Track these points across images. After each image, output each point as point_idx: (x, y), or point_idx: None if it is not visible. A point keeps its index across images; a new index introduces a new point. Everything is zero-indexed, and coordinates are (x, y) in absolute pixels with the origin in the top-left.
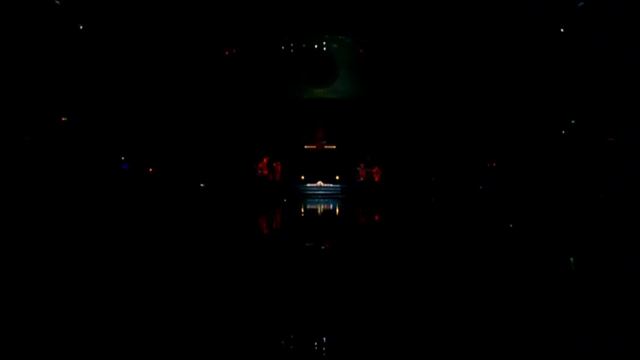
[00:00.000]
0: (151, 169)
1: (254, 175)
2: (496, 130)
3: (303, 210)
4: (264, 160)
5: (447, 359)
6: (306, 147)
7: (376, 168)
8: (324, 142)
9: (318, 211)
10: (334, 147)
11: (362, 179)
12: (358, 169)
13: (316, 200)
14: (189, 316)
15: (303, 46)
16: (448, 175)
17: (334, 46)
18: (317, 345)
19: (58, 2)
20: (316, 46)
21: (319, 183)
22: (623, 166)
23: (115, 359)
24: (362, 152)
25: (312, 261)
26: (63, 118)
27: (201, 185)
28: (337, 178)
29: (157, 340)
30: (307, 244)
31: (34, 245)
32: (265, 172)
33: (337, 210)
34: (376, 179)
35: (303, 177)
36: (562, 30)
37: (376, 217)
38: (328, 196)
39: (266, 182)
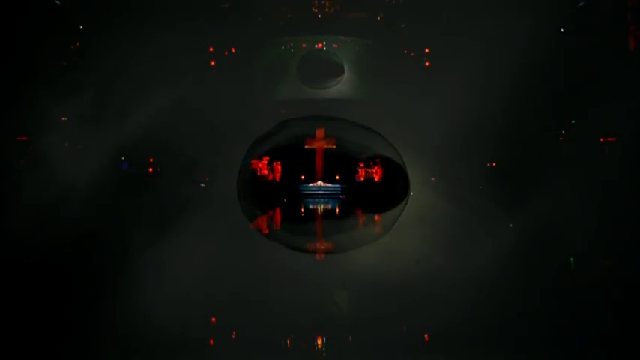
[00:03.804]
0: (150, 169)
1: (254, 174)
2: (496, 130)
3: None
4: (264, 160)
5: None
6: (306, 147)
7: (376, 168)
8: (324, 142)
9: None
10: (334, 147)
11: (362, 179)
12: (358, 169)
13: (316, 200)
14: None
15: (304, 46)
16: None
17: (334, 46)
18: None
19: (58, 2)
20: (316, 46)
21: (319, 183)
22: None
23: None
24: (362, 152)
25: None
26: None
27: (202, 185)
28: (337, 178)
29: None
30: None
31: None
32: (265, 171)
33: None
34: (376, 179)
35: (303, 177)
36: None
37: (377, 218)
38: (328, 196)
39: (266, 182)
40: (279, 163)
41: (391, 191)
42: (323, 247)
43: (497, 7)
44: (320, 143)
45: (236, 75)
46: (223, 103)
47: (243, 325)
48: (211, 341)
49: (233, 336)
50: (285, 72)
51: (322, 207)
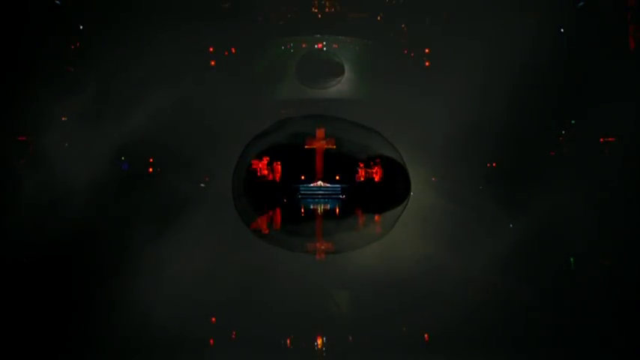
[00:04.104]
0: (150, 169)
1: (254, 175)
2: (496, 130)
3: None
4: (264, 160)
5: None
6: (306, 147)
7: (376, 168)
8: (324, 141)
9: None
10: (334, 147)
11: (362, 179)
12: (358, 169)
13: (316, 200)
14: None
15: (304, 46)
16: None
17: (334, 46)
18: None
19: (58, 2)
20: (316, 46)
21: (319, 183)
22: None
23: None
24: (361, 152)
25: None
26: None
27: (202, 185)
28: (337, 178)
29: None
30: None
31: None
32: (265, 172)
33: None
34: (376, 179)
35: (303, 177)
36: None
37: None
38: (328, 196)
39: (266, 182)
40: (278, 162)
41: (392, 191)
42: (323, 248)
43: (497, 7)
44: (320, 143)
45: (236, 75)
46: (223, 103)
47: (243, 325)
48: (211, 341)
49: (233, 336)
50: (285, 72)
51: (322, 207)
